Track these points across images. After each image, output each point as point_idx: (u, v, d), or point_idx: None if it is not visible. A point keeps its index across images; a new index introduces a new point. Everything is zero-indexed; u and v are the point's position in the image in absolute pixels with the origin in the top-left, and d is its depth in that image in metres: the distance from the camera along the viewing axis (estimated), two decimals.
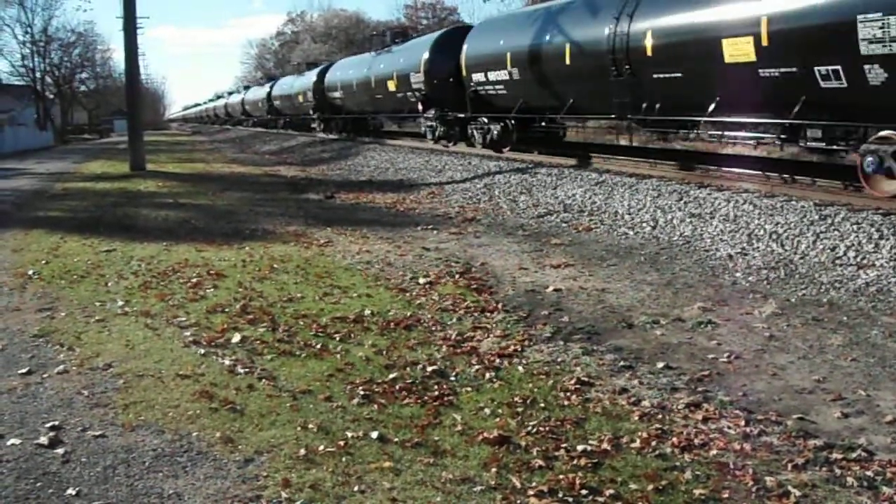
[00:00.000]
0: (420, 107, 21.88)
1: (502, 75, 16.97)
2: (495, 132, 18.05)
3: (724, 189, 10.55)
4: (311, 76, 36.14)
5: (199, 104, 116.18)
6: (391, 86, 24.29)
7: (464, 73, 18.90)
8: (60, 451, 3.71)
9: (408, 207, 12.86)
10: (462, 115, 19.53)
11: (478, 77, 18.22)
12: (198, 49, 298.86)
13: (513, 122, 17.33)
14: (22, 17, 53.37)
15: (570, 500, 3.19)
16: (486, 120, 18.44)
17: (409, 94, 22.79)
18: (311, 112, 36.41)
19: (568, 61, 14.69)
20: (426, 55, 21.11)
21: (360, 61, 29.42)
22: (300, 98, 38.06)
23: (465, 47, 18.99)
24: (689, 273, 7.41)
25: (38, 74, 54.80)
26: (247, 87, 65.74)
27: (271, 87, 47.44)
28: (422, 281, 7.23)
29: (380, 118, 29.97)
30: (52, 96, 59.57)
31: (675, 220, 9.60)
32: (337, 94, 31.57)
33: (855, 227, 7.87)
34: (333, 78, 32.24)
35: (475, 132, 19.15)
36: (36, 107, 54.86)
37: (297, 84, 39.27)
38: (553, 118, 17.03)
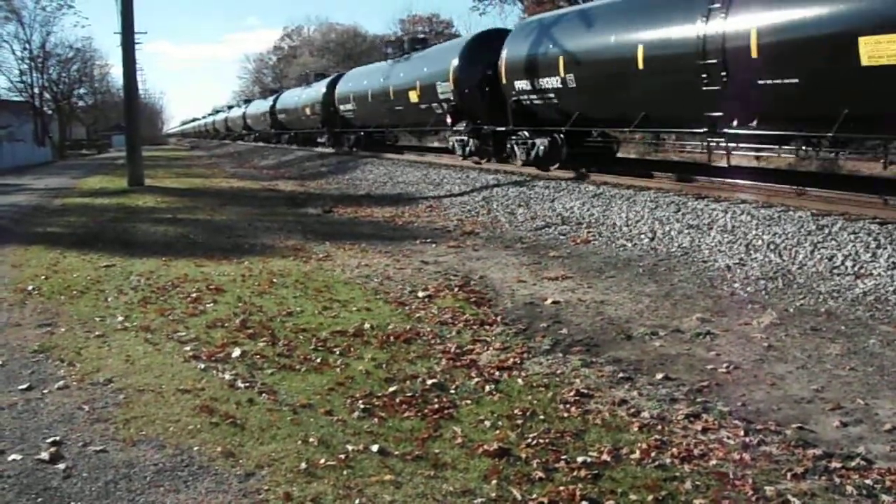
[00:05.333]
0: (320, 125, 33.77)
1: (351, 106, 28.78)
2: (353, 140, 30.30)
3: (722, 200, 10.59)
4: (270, 101, 47.34)
5: (196, 119, 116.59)
6: (308, 111, 35.65)
7: (336, 104, 30.72)
8: (61, 466, 3.72)
9: (406, 221, 12.89)
10: (337, 130, 31.85)
11: (342, 107, 29.96)
12: (196, 64, 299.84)
13: (362, 133, 29.36)
14: (20, 33, 53.40)
15: None
16: (349, 132, 30.63)
17: (315, 116, 34.23)
18: (269, 128, 47.32)
19: (370, 99, 26.13)
20: (323, 90, 32.75)
21: (294, 92, 41.14)
22: (262, 118, 49.21)
23: (337, 87, 30.93)
24: (688, 284, 7.44)
25: (36, 90, 54.88)
26: (230, 107, 77.29)
27: (245, 109, 59.23)
28: (421, 294, 7.24)
29: (311, 133, 38.67)
30: (50, 112, 59.66)
31: (673, 231, 9.63)
32: (283, 116, 42.70)
33: (852, 236, 7.91)
34: (279, 104, 43.55)
35: (345, 140, 31.33)
36: (34, 122, 54.94)
37: (261, 107, 50.36)
38: (385, 132, 28.30)
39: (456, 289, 7.48)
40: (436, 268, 8.63)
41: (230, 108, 76.89)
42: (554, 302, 6.90)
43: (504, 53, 16.45)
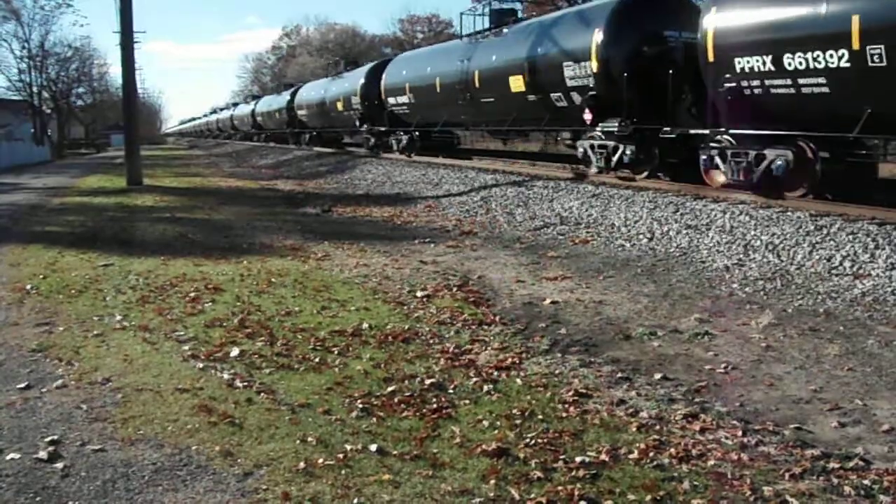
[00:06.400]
0: (358, 122, 29.24)
1: (406, 98, 24.03)
2: (405, 142, 25.16)
3: (721, 200, 10.60)
4: (286, 95, 43.75)
5: (195, 118, 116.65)
6: (340, 106, 31.14)
7: (383, 97, 25.83)
8: (60, 465, 3.71)
9: (405, 221, 12.89)
10: (383, 129, 26.78)
11: (391, 100, 25.23)
12: (194, 64, 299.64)
13: (416, 133, 24.44)
14: (19, 32, 53.34)
15: None
16: (399, 132, 25.63)
17: (351, 113, 29.74)
18: (285, 127, 44.25)
19: (438, 89, 21.16)
20: (362, 80, 28.22)
21: (319, 84, 36.87)
22: (276, 116, 46.37)
23: (384, 76, 25.80)
24: (686, 284, 7.44)
25: (34, 89, 54.83)
26: (236, 105, 76.84)
27: (255, 106, 56.36)
28: (419, 294, 7.24)
29: (340, 133, 35.52)
30: (48, 111, 59.64)
31: (672, 231, 9.64)
32: (303, 113, 38.58)
33: (850, 237, 7.92)
34: (299, 99, 39.55)
35: (393, 142, 26.40)
36: (33, 122, 54.92)
37: (275, 103, 47.16)
38: (448, 130, 24.31)
39: (454, 289, 7.48)
40: (434, 268, 8.63)
41: (236, 105, 73.45)
42: (552, 302, 6.90)
43: (710, 17, 11.14)
